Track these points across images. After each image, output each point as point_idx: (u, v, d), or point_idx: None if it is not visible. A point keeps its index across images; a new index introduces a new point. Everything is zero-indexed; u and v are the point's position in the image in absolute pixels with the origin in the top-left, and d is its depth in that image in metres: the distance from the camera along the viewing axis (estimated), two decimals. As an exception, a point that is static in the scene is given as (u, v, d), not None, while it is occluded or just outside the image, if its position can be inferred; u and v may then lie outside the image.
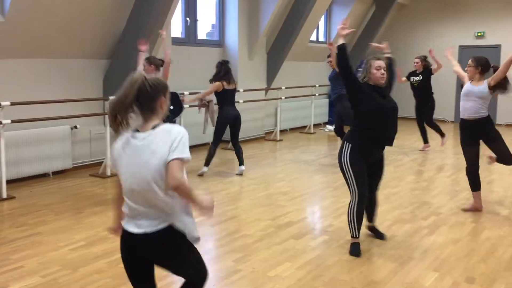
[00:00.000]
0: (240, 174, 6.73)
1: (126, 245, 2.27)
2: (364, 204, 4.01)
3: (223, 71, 6.54)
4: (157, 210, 2.16)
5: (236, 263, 3.76)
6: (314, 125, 11.12)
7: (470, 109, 4.94)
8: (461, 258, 3.94)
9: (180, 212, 2.22)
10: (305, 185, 6.33)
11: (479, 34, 12.38)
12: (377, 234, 4.35)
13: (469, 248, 4.16)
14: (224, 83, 6.53)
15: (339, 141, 9.27)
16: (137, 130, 2.18)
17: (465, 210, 5.18)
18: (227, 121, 6.67)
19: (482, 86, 4.87)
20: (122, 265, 3.66)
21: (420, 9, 13.19)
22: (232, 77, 6.67)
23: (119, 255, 3.67)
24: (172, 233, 2.19)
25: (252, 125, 9.83)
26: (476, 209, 5.14)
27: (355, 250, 3.96)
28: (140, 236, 2.17)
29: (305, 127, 11.19)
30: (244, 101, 8.96)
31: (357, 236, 3.99)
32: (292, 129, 11.07)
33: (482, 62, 4.92)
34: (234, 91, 6.80)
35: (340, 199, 5.60)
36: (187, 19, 8.60)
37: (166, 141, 2.10)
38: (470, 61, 4.97)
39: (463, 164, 7.87)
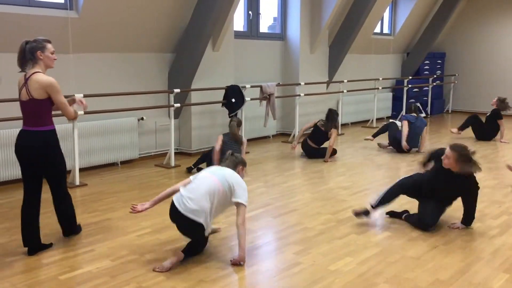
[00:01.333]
0: None
1: None
2: None
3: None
4: None
5: (296, 256, 3.77)
6: (377, 119, 10.87)
7: None
8: (534, 260, 3.73)
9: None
10: (367, 180, 6.22)
11: (559, 23, 11.56)
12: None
13: (544, 250, 3.93)
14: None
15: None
16: None
17: None
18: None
19: None
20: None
21: (491, 1, 12.46)
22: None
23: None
24: None
25: (313, 119, 9.74)
26: None
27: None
28: None
29: (367, 121, 10.97)
30: (305, 94, 8.92)
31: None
32: (354, 123, 10.89)
33: None
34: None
35: (404, 195, 5.45)
36: (250, 12, 8.66)
37: None
38: None
39: (538, 162, 7.36)
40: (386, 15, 11.97)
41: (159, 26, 6.84)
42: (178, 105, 6.85)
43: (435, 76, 12.68)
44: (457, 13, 12.77)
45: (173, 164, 6.75)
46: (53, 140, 3.71)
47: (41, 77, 3.57)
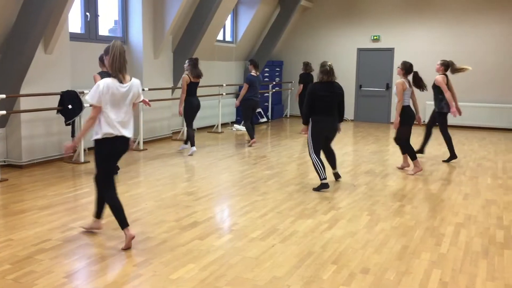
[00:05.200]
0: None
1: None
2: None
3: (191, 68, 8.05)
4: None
5: (137, 268, 3.65)
6: (222, 124, 11.14)
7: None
8: (357, 250, 4.15)
9: None
10: (211, 184, 6.32)
11: (375, 37, 13.18)
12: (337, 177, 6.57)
13: (365, 240, 4.40)
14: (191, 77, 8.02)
15: (246, 138, 9.40)
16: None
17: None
18: (193, 108, 8.14)
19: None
20: (9, 277, 3.43)
21: (322, 12, 13.75)
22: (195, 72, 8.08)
23: (7, 266, 3.41)
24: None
25: (159, 125, 9.63)
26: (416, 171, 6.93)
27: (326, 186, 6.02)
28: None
29: (212, 126, 11.18)
30: (150, 100, 8.73)
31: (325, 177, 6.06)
32: (200, 129, 11.01)
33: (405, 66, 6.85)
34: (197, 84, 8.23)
35: (245, 197, 5.67)
36: (87, 13, 8.20)
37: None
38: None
39: (362, 160, 8.37)
40: (228, 23, 12.37)
41: (-22, 23, 6.09)
42: (3, 112, 6.16)
43: (274, 83, 13.48)
44: (291, 25, 13.78)
45: (-1, 178, 6.06)
46: None
47: None
